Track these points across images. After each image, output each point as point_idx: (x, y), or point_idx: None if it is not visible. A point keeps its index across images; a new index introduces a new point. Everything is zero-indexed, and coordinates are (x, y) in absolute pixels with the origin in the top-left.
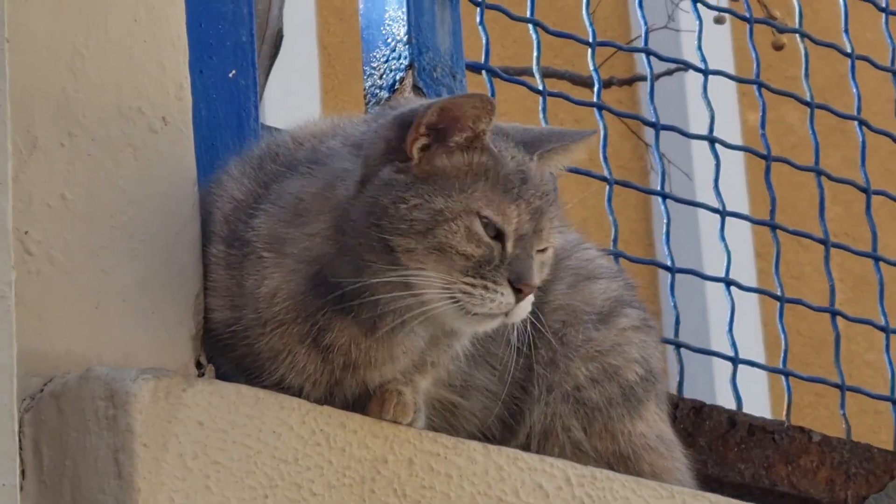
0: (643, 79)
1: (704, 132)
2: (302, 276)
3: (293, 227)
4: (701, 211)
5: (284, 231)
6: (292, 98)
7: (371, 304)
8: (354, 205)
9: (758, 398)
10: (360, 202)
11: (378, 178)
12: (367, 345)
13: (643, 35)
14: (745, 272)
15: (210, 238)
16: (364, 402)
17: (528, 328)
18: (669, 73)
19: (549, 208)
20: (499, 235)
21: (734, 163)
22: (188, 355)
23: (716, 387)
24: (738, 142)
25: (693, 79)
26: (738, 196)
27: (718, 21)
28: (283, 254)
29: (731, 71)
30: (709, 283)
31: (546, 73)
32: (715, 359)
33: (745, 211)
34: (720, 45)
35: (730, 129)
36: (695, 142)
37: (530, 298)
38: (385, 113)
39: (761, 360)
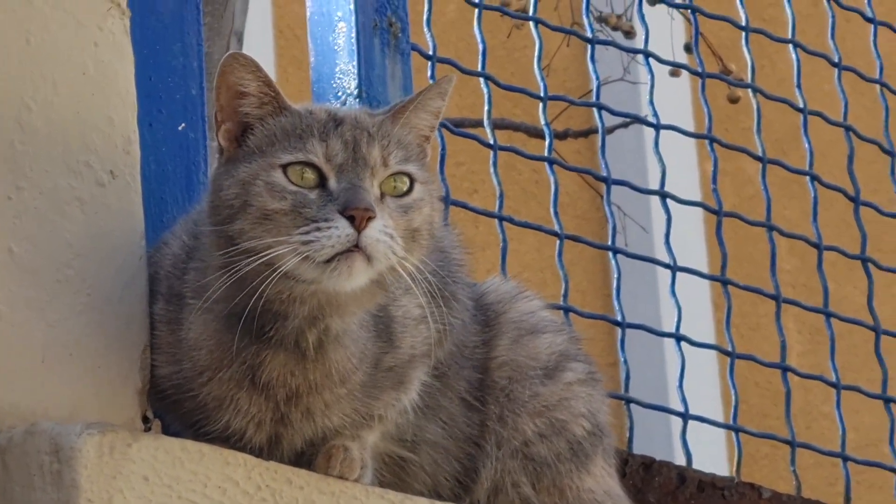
0: (598, 131)
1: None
2: (216, 315)
3: (206, 272)
4: (659, 268)
5: (202, 276)
6: None
7: (286, 329)
8: (204, 219)
9: (716, 454)
10: (204, 212)
11: (209, 183)
12: (303, 368)
13: (595, 89)
14: (703, 326)
15: (154, 297)
16: (311, 457)
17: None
18: (625, 125)
19: (377, 140)
20: (321, 180)
21: (692, 216)
22: (134, 410)
23: (674, 443)
24: (696, 193)
25: (651, 131)
26: (695, 249)
27: (674, 74)
28: (203, 298)
29: (690, 121)
30: (666, 340)
31: (501, 125)
32: (672, 415)
33: (703, 264)
34: (679, 97)
35: (688, 181)
36: (654, 196)
37: (378, 228)
38: None
39: (719, 415)
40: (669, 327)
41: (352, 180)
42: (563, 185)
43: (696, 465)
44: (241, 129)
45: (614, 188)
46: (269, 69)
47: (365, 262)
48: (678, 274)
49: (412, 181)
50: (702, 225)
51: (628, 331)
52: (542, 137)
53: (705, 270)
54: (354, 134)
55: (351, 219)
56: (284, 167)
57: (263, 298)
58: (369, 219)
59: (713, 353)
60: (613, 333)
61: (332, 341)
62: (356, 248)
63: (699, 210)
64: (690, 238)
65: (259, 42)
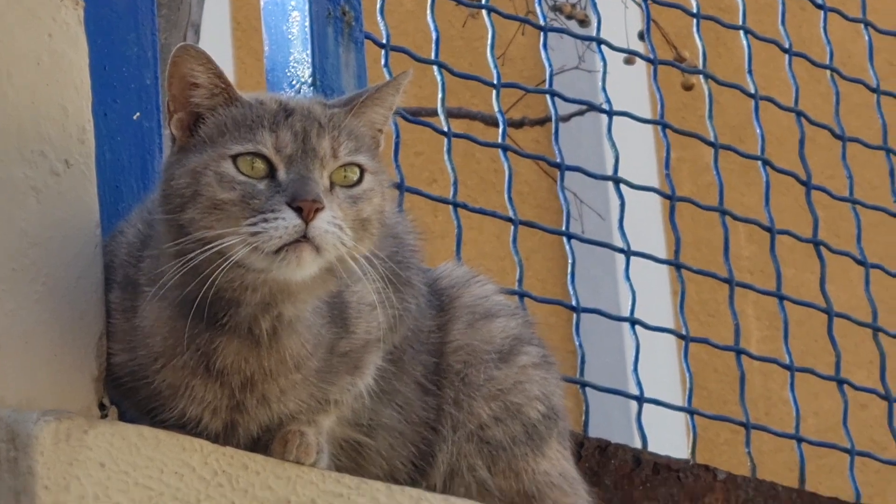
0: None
1: (621, 171)
2: (169, 302)
3: (160, 259)
4: (617, 253)
5: (156, 264)
6: None
7: (238, 315)
8: (157, 207)
9: (675, 438)
10: (158, 202)
11: (161, 172)
12: (257, 355)
13: (548, 77)
14: (662, 310)
15: (110, 285)
16: (267, 443)
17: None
18: (580, 113)
19: (328, 131)
20: (271, 171)
21: (649, 202)
22: (91, 397)
23: (632, 427)
24: (654, 179)
25: (606, 118)
26: (654, 235)
27: (628, 62)
28: (157, 285)
29: (646, 108)
30: (625, 325)
31: (459, 114)
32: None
33: (661, 250)
34: (635, 85)
35: (644, 167)
36: (611, 183)
37: (327, 219)
38: None
39: (678, 398)
40: (628, 312)
41: (301, 171)
42: (522, 173)
43: (654, 449)
44: (193, 119)
45: (570, 175)
46: (227, 60)
47: (313, 253)
48: (636, 260)
49: (362, 171)
50: (659, 211)
51: (587, 316)
52: (498, 125)
53: (663, 256)
54: (305, 125)
55: (299, 210)
56: (234, 157)
57: (216, 286)
58: (317, 210)
59: (672, 338)
60: (572, 319)
61: (285, 328)
62: (304, 238)
63: (657, 197)
64: (648, 224)
65: (216, 33)
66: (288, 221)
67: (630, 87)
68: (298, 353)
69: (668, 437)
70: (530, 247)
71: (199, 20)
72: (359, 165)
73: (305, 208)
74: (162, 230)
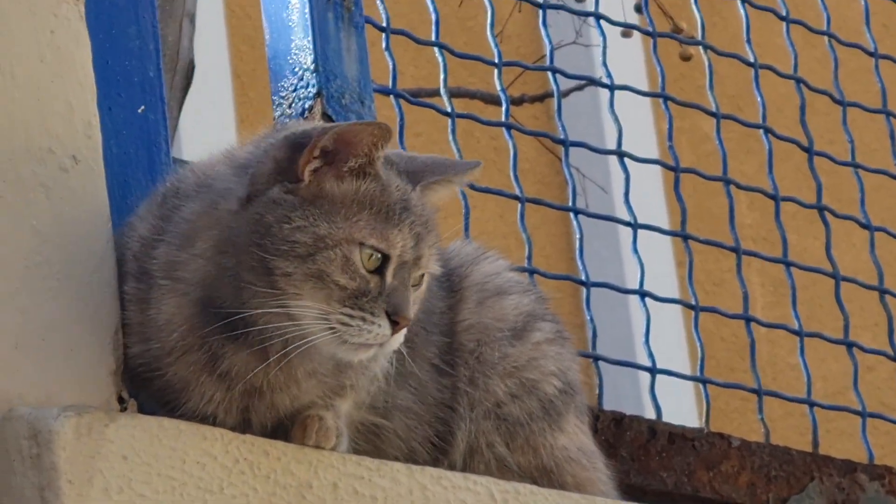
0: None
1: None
2: (191, 301)
3: (183, 251)
4: (620, 227)
5: (176, 255)
6: (207, 128)
7: (255, 332)
8: (237, 222)
9: (685, 407)
10: (244, 220)
11: (265, 197)
12: (265, 370)
13: (548, 53)
14: (667, 282)
15: (124, 277)
16: (287, 428)
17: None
18: (580, 88)
19: (429, 236)
20: (381, 267)
21: (650, 175)
22: (110, 391)
23: (642, 398)
24: (654, 152)
25: (606, 92)
26: (656, 207)
27: (625, 35)
28: (175, 279)
29: (644, 82)
30: (630, 296)
31: (458, 94)
32: (640, 370)
33: (664, 222)
34: (632, 58)
35: (645, 140)
36: (613, 157)
37: (405, 332)
38: (273, 134)
39: (686, 369)
40: (633, 285)
41: (404, 280)
42: (523, 151)
43: (665, 419)
44: (323, 168)
45: (573, 150)
46: (222, 48)
47: (378, 350)
48: (640, 232)
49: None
50: (661, 183)
51: (594, 290)
52: (499, 104)
53: (666, 228)
54: (420, 230)
55: (395, 323)
56: (363, 245)
57: (253, 314)
58: (406, 326)
59: (678, 309)
60: (579, 295)
61: (298, 355)
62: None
63: (658, 169)
64: (650, 197)
65: (210, 21)
66: (382, 330)
67: (626, 60)
68: (310, 368)
69: (677, 407)
70: (532, 224)
71: (195, 10)
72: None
73: (401, 325)
74: (217, 237)
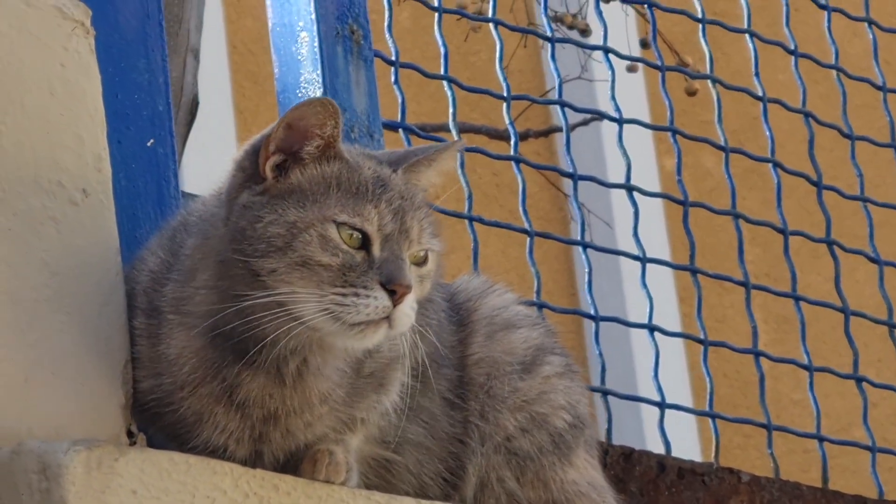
0: (559, 130)
1: (622, 179)
2: (200, 332)
3: (187, 286)
4: (622, 258)
5: (182, 291)
6: (210, 163)
7: (267, 353)
8: (223, 243)
9: (687, 442)
10: (225, 235)
11: (237, 206)
12: (281, 393)
13: (557, 87)
14: (669, 317)
15: (133, 312)
16: (296, 462)
17: (422, 358)
18: (585, 122)
19: (416, 211)
20: (365, 243)
21: (653, 209)
22: (119, 425)
23: (645, 432)
24: (656, 187)
25: (609, 127)
26: (658, 242)
27: (631, 70)
28: (183, 313)
29: (646, 117)
30: (633, 330)
31: (463, 129)
32: (642, 404)
33: (665, 256)
34: (634, 93)
35: (647, 175)
36: (613, 190)
37: (410, 303)
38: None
39: (688, 403)
40: (636, 319)
41: (394, 251)
42: (526, 185)
43: (659, 452)
44: (285, 163)
45: (571, 184)
46: (225, 84)
47: (387, 329)
48: (637, 266)
49: (429, 252)
50: (662, 217)
51: (593, 325)
52: (503, 139)
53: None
54: (401, 204)
55: (392, 292)
56: (338, 224)
57: (260, 329)
58: (407, 294)
59: (679, 344)
60: (580, 330)
61: (310, 373)
62: (385, 317)
63: (659, 204)
64: (652, 231)
65: (213, 57)
66: (379, 302)
67: (629, 95)
68: (324, 390)
69: (678, 442)
70: (525, 261)
71: (199, 45)
72: (432, 249)
73: (399, 292)
74: (210, 262)
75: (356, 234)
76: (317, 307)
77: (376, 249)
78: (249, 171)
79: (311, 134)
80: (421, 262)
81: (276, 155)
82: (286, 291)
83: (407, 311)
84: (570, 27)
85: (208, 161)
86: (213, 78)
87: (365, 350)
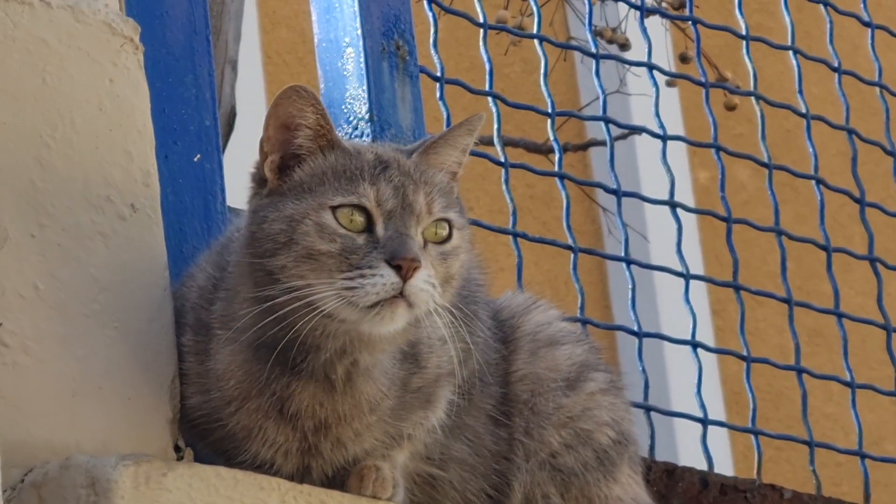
0: (597, 144)
1: (657, 194)
2: (245, 346)
3: (233, 303)
4: (658, 274)
5: (228, 309)
6: (246, 175)
7: (313, 358)
8: (241, 249)
9: (720, 456)
10: (243, 243)
11: (249, 213)
12: (332, 400)
13: (601, 103)
14: (703, 333)
15: (181, 329)
16: (342, 478)
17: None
18: (623, 136)
19: (422, 186)
20: (369, 225)
21: (688, 224)
22: (166, 439)
23: (679, 448)
24: (691, 200)
25: (644, 141)
26: (693, 257)
27: (671, 85)
28: (229, 329)
29: (682, 130)
30: (668, 346)
31: (504, 142)
32: (679, 420)
33: (699, 270)
34: (670, 106)
35: (682, 188)
36: (649, 204)
37: (423, 278)
38: None
39: (723, 418)
40: (670, 334)
41: (399, 228)
42: (556, 198)
43: (699, 468)
44: (287, 161)
45: (603, 200)
46: (260, 95)
47: (407, 309)
48: (668, 280)
49: (451, 227)
50: (696, 233)
51: (628, 340)
52: (541, 152)
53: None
54: (402, 179)
55: (398, 268)
56: (335, 209)
57: (296, 332)
58: (415, 269)
59: (714, 359)
60: (614, 344)
61: (361, 374)
62: (400, 295)
63: (694, 219)
64: (687, 246)
65: (248, 68)
66: (386, 279)
67: (665, 108)
68: (373, 396)
69: (714, 457)
70: (565, 273)
71: (236, 56)
72: (449, 222)
73: (405, 266)
74: (243, 273)
75: (357, 215)
76: (331, 295)
77: (380, 229)
78: (258, 178)
79: (295, 124)
80: (443, 240)
81: (273, 155)
82: (301, 285)
83: (421, 285)
84: (610, 41)
85: (244, 172)
86: (248, 88)
87: (393, 337)
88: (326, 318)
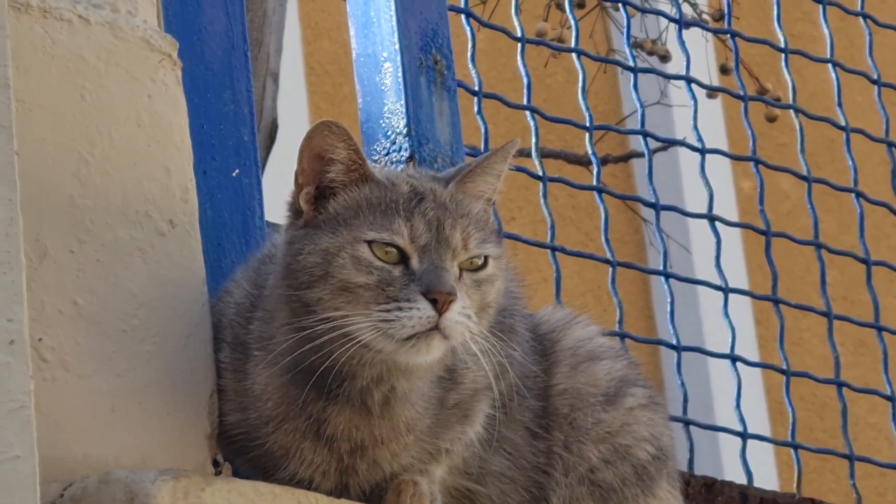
0: (638, 155)
1: (698, 206)
2: (282, 370)
3: (270, 325)
4: (700, 287)
5: (265, 330)
6: (289, 188)
7: (349, 385)
8: (277, 278)
9: (765, 469)
10: (279, 273)
11: (284, 244)
12: (369, 424)
13: (640, 116)
14: (746, 345)
15: (219, 345)
16: (380, 493)
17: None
18: (664, 148)
19: (458, 220)
20: (402, 257)
21: (729, 236)
22: (205, 454)
23: (722, 462)
24: (733, 212)
25: (686, 152)
26: (734, 269)
27: (710, 97)
28: (268, 350)
29: (723, 142)
30: (710, 359)
31: (542, 154)
32: (720, 434)
33: (742, 283)
34: (711, 117)
35: (723, 199)
36: (690, 218)
37: (458, 310)
38: None
39: (766, 431)
40: (713, 348)
41: (434, 261)
42: (596, 209)
43: (739, 482)
44: (321, 194)
45: (645, 212)
46: (302, 105)
47: (442, 340)
48: (709, 294)
49: (487, 257)
50: (739, 244)
51: (670, 353)
52: (581, 164)
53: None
54: (438, 213)
55: (434, 301)
56: (370, 242)
57: (333, 360)
58: (450, 302)
59: (756, 372)
60: (657, 358)
61: (398, 399)
62: (435, 328)
63: (736, 231)
64: (729, 258)
65: (290, 79)
66: (423, 312)
67: (706, 119)
68: (411, 419)
69: (755, 469)
70: (605, 285)
71: (278, 69)
72: (485, 254)
73: (441, 300)
74: (279, 301)
75: (391, 249)
76: (367, 327)
77: (415, 262)
78: (294, 208)
79: (326, 159)
80: (478, 268)
81: (308, 187)
82: (338, 317)
83: (456, 318)
84: (650, 53)
85: (288, 185)
86: (290, 98)
87: (430, 366)
88: (363, 349)
